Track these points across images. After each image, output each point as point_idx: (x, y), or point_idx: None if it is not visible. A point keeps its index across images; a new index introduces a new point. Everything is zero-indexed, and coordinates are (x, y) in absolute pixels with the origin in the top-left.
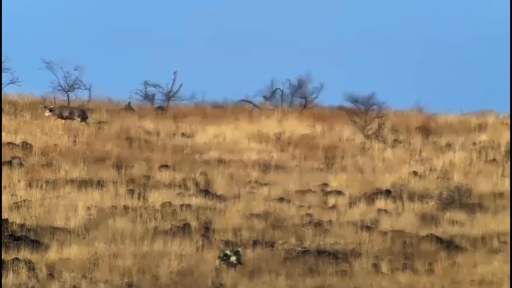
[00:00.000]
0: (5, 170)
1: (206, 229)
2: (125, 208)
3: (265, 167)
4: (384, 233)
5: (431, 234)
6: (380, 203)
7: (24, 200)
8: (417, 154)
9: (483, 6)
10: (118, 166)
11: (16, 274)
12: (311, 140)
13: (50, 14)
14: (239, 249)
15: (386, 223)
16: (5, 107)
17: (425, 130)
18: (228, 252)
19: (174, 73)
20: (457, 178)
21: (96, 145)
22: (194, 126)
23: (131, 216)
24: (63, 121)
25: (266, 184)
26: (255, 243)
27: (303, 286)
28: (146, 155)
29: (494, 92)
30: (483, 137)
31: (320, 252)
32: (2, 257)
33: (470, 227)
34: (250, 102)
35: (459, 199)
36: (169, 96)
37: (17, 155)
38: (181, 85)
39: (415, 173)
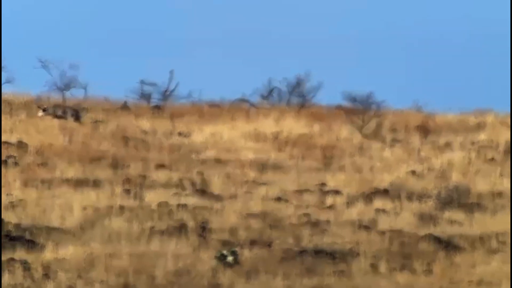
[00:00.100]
0: None
1: (203, 229)
2: (121, 208)
3: (263, 166)
4: (382, 233)
5: (430, 234)
6: (378, 202)
7: (19, 200)
8: (416, 154)
9: (482, 5)
10: (114, 165)
11: (11, 274)
12: (309, 140)
13: (45, 13)
14: (236, 249)
15: (384, 223)
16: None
17: (424, 130)
18: (225, 252)
19: (171, 72)
20: (455, 177)
21: (92, 145)
22: (191, 125)
23: (127, 216)
24: (54, 119)
25: (263, 184)
26: (252, 243)
27: (300, 286)
28: (142, 154)
29: (493, 91)
30: (482, 136)
31: (317, 252)
32: None
33: (469, 227)
34: (247, 101)
35: (458, 199)
36: (165, 95)
37: (12, 154)
38: (177, 84)
39: (413, 172)
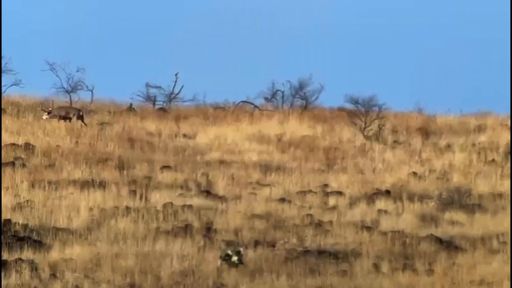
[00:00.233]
0: (8, 171)
1: (208, 230)
2: (127, 208)
3: (266, 168)
4: (384, 234)
5: (431, 234)
6: (380, 203)
7: (27, 201)
8: (417, 155)
9: (483, 7)
10: (120, 167)
11: (19, 274)
12: (312, 141)
13: (52, 16)
14: (241, 249)
15: (386, 224)
16: (8, 108)
17: (425, 131)
18: (229, 252)
19: (176, 74)
20: (456, 179)
21: (98, 146)
22: (196, 127)
23: (133, 216)
24: (61, 121)
25: (267, 185)
26: (256, 243)
27: (304, 286)
28: (148, 156)
29: (493, 93)
30: (483, 138)
31: (320, 252)
32: (5, 257)
33: (470, 228)
34: (251, 103)
35: (459, 200)
36: (170, 97)
37: (19, 156)
38: (182, 87)
39: (415, 174)
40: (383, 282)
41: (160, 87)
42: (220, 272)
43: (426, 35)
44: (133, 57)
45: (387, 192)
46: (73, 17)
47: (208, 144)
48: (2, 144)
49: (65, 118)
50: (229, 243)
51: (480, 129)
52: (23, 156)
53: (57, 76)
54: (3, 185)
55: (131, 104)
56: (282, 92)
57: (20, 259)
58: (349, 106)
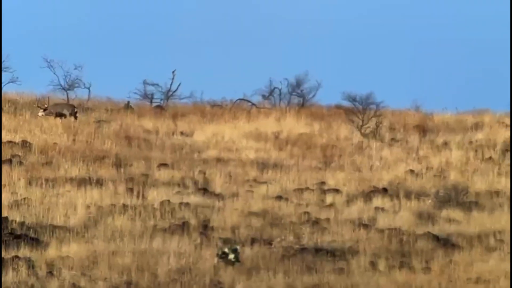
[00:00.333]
0: (5, 168)
1: (205, 227)
2: (124, 206)
3: (263, 165)
4: (381, 231)
5: (428, 232)
6: (377, 201)
7: (24, 199)
8: (414, 153)
9: (481, 5)
10: (117, 164)
11: (15, 272)
12: (309, 139)
13: (49, 13)
14: (238, 247)
15: (383, 221)
16: (5, 106)
17: (422, 129)
18: (226, 250)
19: (173, 72)
20: (453, 176)
21: (95, 144)
22: (193, 125)
23: (130, 214)
24: (58, 119)
25: (264, 183)
26: (253, 241)
27: (300, 284)
28: (145, 153)
29: (490, 91)
30: (480, 136)
31: (317, 250)
32: (2, 255)
33: (467, 225)
34: (248, 101)
35: (456, 198)
36: (168, 95)
37: (17, 153)
38: (179, 84)
39: (412, 171)
40: (380, 279)
41: (157, 85)
42: (217, 269)
43: (423, 33)
44: (130, 55)
45: (384, 189)
46: (71, 15)
47: (205, 142)
48: None
49: (60, 115)
50: (226, 241)
51: (477, 126)
52: (20, 154)
53: (54, 73)
54: None
55: (128, 102)
56: (279, 90)
57: (17, 256)
58: (346, 103)
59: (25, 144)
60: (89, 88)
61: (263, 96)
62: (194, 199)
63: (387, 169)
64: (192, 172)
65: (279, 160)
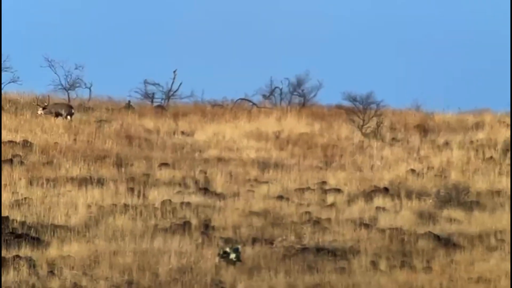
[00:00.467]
0: (6, 168)
1: (206, 227)
2: (125, 206)
3: (264, 165)
4: (382, 231)
5: (429, 232)
6: (378, 201)
7: (25, 198)
8: (415, 153)
9: (481, 4)
10: (118, 164)
11: (17, 271)
12: (310, 139)
13: (50, 13)
14: (239, 247)
15: (384, 221)
16: (6, 106)
17: (423, 129)
18: (227, 249)
19: (174, 72)
20: (454, 176)
21: (96, 144)
22: (194, 124)
23: (131, 214)
24: (58, 118)
25: (265, 182)
26: (254, 240)
27: (302, 283)
28: (146, 153)
29: (491, 90)
30: (480, 135)
31: (319, 250)
32: (3, 254)
33: (468, 225)
34: (249, 100)
35: (457, 197)
36: (168, 94)
37: (18, 153)
38: (180, 84)
39: (413, 171)
40: (381, 279)
41: (158, 84)
42: (218, 269)
43: (424, 32)
44: (131, 54)
45: (385, 189)
46: (71, 15)
47: (206, 142)
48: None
49: (58, 114)
50: (227, 240)
51: (478, 126)
52: (21, 154)
53: (55, 73)
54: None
55: (129, 101)
56: (280, 90)
57: (18, 256)
58: (347, 103)
59: (26, 144)
60: (90, 88)
61: (264, 96)
62: (195, 198)
63: (388, 168)
64: (193, 172)
65: (280, 160)
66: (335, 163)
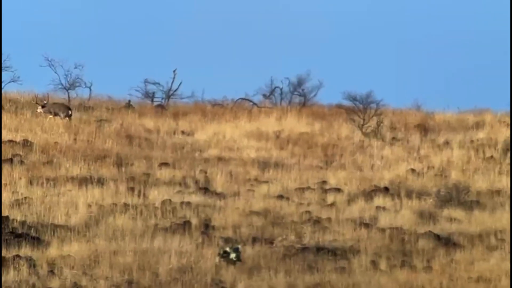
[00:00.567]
0: (6, 167)
1: (206, 227)
2: (125, 205)
3: (265, 165)
4: (383, 230)
5: (429, 231)
6: (379, 200)
7: (25, 198)
8: (415, 152)
9: (481, 4)
10: (118, 164)
11: (17, 271)
12: (310, 138)
13: (50, 12)
14: (239, 246)
15: (384, 220)
16: (6, 105)
17: (423, 128)
18: (227, 249)
19: (174, 71)
20: (454, 175)
21: (96, 143)
22: (194, 124)
23: (131, 213)
24: (57, 118)
25: (265, 182)
26: (254, 240)
27: (302, 283)
28: (146, 153)
29: (491, 90)
30: (481, 135)
31: (319, 249)
32: (3, 254)
33: (468, 225)
34: (249, 100)
35: (457, 197)
36: (169, 94)
37: (18, 153)
38: (180, 83)
39: (413, 170)
40: (381, 279)
41: (158, 84)
42: (218, 268)
43: (424, 32)
44: (131, 54)
45: (386, 189)
46: (71, 14)
47: (207, 141)
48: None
49: (56, 114)
50: (227, 240)
51: (478, 125)
52: (21, 153)
53: (55, 72)
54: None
55: (129, 101)
56: (281, 89)
57: (18, 256)
58: (347, 103)
59: (26, 143)
60: (90, 87)
61: (264, 96)
62: (195, 198)
63: (388, 168)
64: (193, 171)
65: (280, 159)
66: (335, 163)
